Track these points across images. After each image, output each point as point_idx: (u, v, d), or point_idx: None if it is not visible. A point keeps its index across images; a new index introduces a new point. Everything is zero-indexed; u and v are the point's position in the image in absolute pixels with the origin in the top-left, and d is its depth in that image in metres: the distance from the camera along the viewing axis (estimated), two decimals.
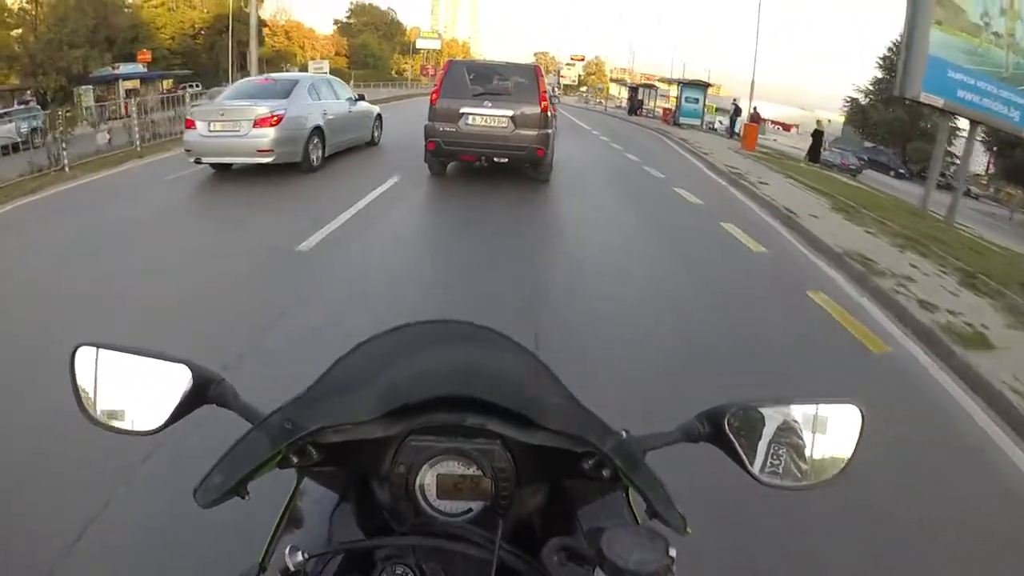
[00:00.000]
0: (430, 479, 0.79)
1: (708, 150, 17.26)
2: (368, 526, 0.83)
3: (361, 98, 12.13)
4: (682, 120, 30.11)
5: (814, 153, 23.02)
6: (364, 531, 0.83)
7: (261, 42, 33.60)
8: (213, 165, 9.51)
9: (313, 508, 0.90)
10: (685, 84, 32.73)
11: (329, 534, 0.82)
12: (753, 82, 27.54)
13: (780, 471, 0.79)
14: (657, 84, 44.34)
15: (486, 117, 9.21)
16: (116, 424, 0.82)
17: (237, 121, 8.95)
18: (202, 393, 0.82)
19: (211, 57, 46.78)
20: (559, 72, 74.95)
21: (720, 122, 34.28)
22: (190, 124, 9.19)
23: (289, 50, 55.88)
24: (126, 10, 43.34)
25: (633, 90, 42.93)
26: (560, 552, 0.68)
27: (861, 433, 0.81)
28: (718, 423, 0.80)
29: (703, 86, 32.62)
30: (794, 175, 14.07)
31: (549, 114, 9.48)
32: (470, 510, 0.80)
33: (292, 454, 0.78)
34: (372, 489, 0.85)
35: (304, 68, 39.72)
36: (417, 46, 67.89)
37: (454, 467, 0.79)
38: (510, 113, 9.16)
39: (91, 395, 0.83)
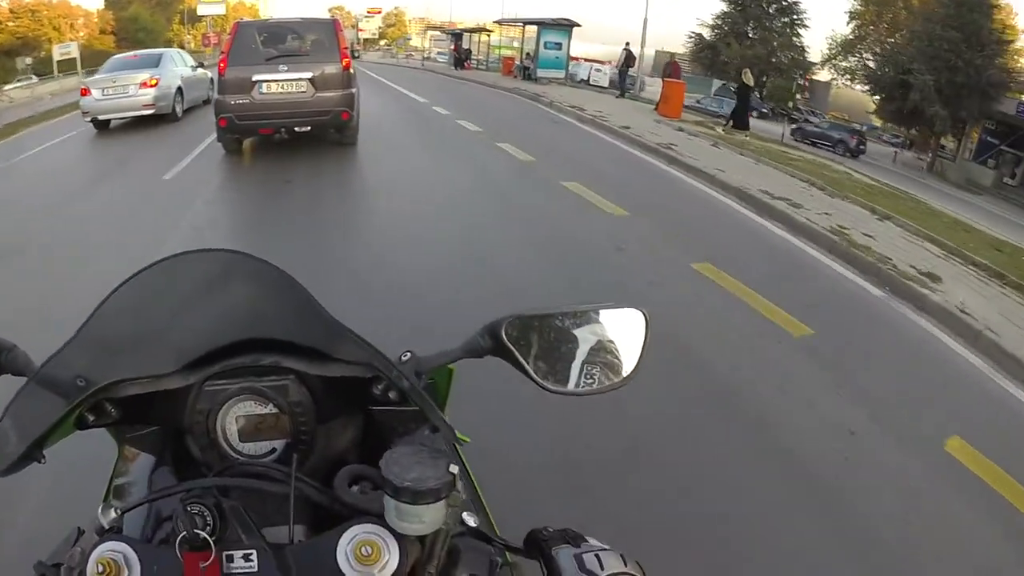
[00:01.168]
0: (231, 422, 0.79)
1: (620, 121, 13.58)
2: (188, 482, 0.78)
3: (201, 65, 15.66)
4: (540, 72, 24.18)
5: (741, 117, 16.22)
6: None
7: None
8: (96, 124, 12.74)
9: (138, 474, 0.89)
10: (544, 25, 25.20)
11: (148, 495, 0.78)
12: (646, 19, 22.86)
13: (567, 377, 0.82)
14: (488, 28, 36.89)
15: (282, 83, 8.62)
16: None
17: (125, 86, 12.37)
18: None
19: None
20: (356, 25, 71.34)
21: (597, 70, 29.14)
22: (85, 92, 12.53)
23: (38, 34, 47.41)
24: None
25: (457, 37, 36.28)
26: (353, 480, 0.71)
27: (646, 337, 0.84)
28: (498, 335, 0.81)
29: (567, 27, 25.30)
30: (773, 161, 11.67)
31: (352, 71, 9.06)
32: (274, 450, 0.80)
33: (87, 412, 0.77)
34: (187, 445, 0.84)
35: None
36: (198, 12, 60.77)
37: (251, 407, 0.79)
38: (309, 75, 8.65)
39: None
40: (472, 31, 37.21)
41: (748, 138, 15.02)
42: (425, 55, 47.30)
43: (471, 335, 0.84)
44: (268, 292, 0.80)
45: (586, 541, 0.72)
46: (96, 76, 13.39)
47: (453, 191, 8.04)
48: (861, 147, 24.64)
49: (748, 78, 16.37)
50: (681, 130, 14.02)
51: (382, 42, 78.15)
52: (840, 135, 25.51)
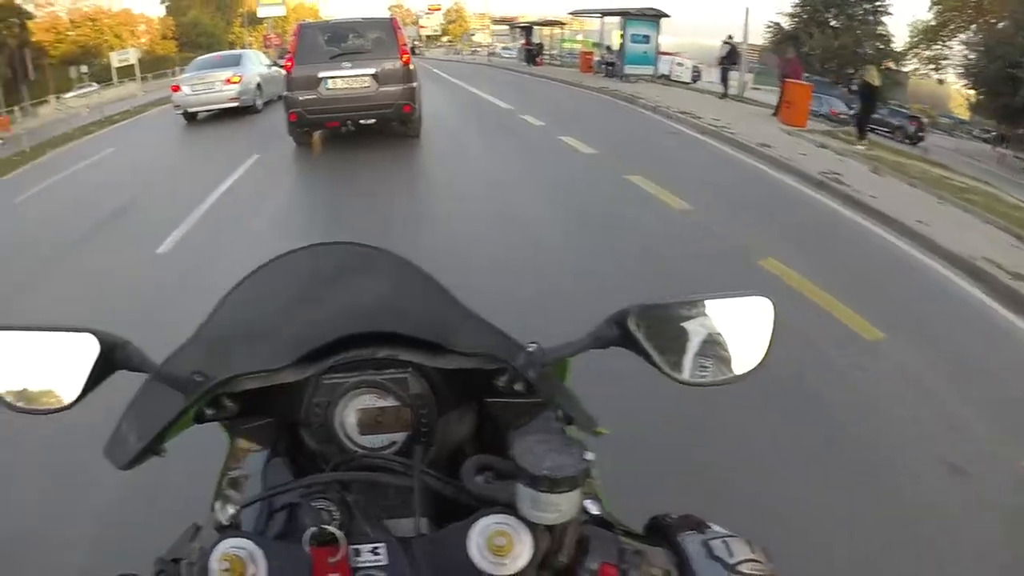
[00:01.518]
0: (350, 416, 0.78)
1: (748, 134, 11.06)
2: (301, 475, 0.77)
3: (275, 64, 16.95)
4: (627, 69, 21.16)
5: (863, 123, 13.15)
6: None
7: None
8: (186, 115, 14.88)
9: (251, 467, 0.87)
10: (630, 16, 21.71)
11: (263, 489, 0.78)
12: (747, 9, 18.55)
13: (695, 367, 0.79)
14: (560, 20, 33.69)
15: (346, 79, 9.15)
16: (26, 405, 0.79)
17: (211, 82, 14.42)
18: (111, 359, 0.78)
19: None
20: (417, 22, 69.30)
21: (679, 64, 25.32)
22: (176, 88, 14.91)
23: (99, 42, 46.81)
24: None
25: (527, 31, 33.27)
26: (480, 470, 0.69)
27: (774, 325, 0.81)
28: (625, 324, 0.78)
29: (654, 18, 21.69)
30: None
31: (412, 67, 9.52)
32: (394, 443, 0.79)
33: (207, 407, 0.78)
34: (302, 438, 0.85)
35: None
36: (259, 15, 61.13)
37: (371, 400, 0.78)
38: (371, 71, 9.15)
39: None
40: (542, 24, 34.01)
41: (868, 148, 12.08)
42: (490, 50, 44.38)
43: (597, 325, 0.80)
44: (385, 284, 0.83)
45: (710, 528, 0.70)
46: (184, 75, 15.61)
47: (605, 281, 5.00)
48: (920, 134, 21.64)
49: (874, 77, 12.84)
50: (824, 146, 11.16)
51: (444, 38, 77.54)
52: (899, 121, 22.41)
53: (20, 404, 0.78)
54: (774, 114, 14.38)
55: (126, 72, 34.58)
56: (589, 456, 0.62)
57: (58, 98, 31.61)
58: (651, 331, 0.77)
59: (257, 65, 15.92)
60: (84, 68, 34.50)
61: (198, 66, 15.39)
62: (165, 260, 6.18)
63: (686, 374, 0.78)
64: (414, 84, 9.46)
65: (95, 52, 46.27)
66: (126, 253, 6.58)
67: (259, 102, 15.15)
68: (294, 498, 0.70)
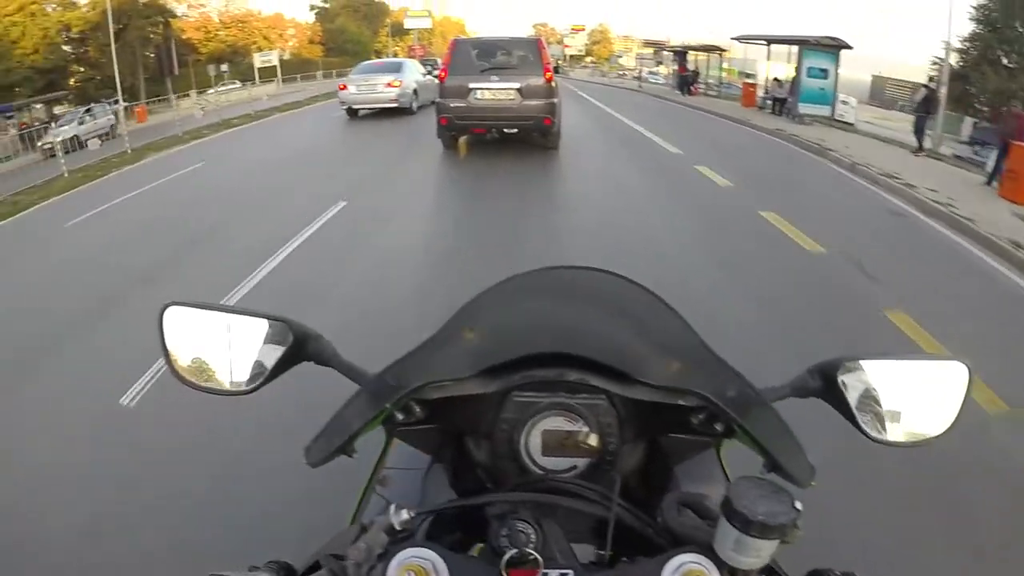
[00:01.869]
0: (535, 435, 0.79)
1: (982, 218, 7.85)
2: (462, 486, 0.82)
3: (429, 73, 19.08)
4: (803, 108, 17.10)
5: None
6: (457, 491, 0.83)
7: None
8: (350, 111, 16.76)
9: (400, 469, 0.92)
10: (807, 45, 17.59)
11: (422, 494, 0.82)
12: (948, 46, 15.90)
13: (889, 427, 0.79)
14: (722, 47, 28.39)
15: (494, 91, 9.82)
16: (208, 384, 0.82)
17: (374, 84, 16.16)
18: (300, 350, 0.82)
19: (101, 65, 34.41)
20: (562, 41, 68.02)
21: (843, 103, 17.70)
22: (343, 87, 16.62)
23: (247, 43, 47.65)
24: None
25: (681, 56, 28.70)
26: (679, 507, 0.68)
27: (968, 390, 0.80)
28: (831, 377, 0.79)
29: (834, 49, 17.51)
30: None
31: (554, 84, 10.05)
32: (574, 467, 0.79)
33: (397, 411, 0.80)
34: (468, 449, 0.86)
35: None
36: (406, 26, 61.63)
37: (559, 423, 0.78)
38: (517, 85, 9.77)
39: (182, 355, 0.82)
40: (699, 49, 29.16)
41: None
42: (636, 74, 41.01)
43: (799, 374, 0.82)
44: (593, 308, 0.83)
45: None
46: (351, 75, 17.44)
47: None
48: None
49: None
50: None
51: (587, 59, 75.91)
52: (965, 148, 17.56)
53: (200, 382, 0.82)
54: (988, 182, 10.45)
55: (270, 73, 35.09)
56: (799, 506, 0.60)
57: (200, 93, 31.60)
58: (853, 387, 0.78)
59: (415, 73, 17.73)
60: (224, 67, 34.89)
61: (363, 70, 17.46)
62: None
63: (882, 432, 0.78)
64: (555, 100, 10.07)
65: (244, 52, 47.64)
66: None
67: (414, 105, 16.65)
68: (486, 511, 0.69)
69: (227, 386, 0.80)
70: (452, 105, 9.89)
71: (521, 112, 9.76)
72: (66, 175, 12.72)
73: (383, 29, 66.96)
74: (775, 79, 19.86)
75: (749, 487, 0.60)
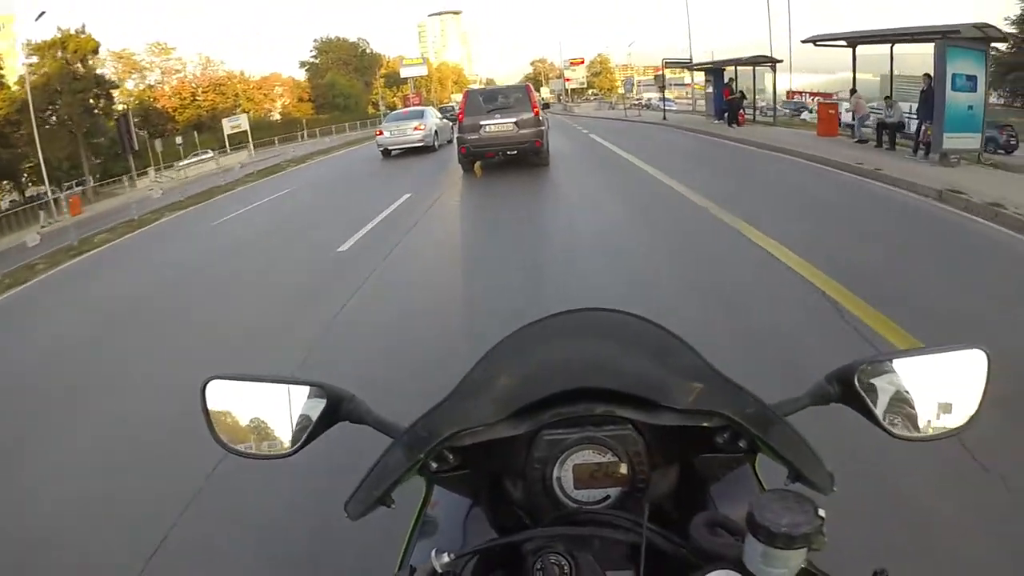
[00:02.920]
0: (566, 471, 0.79)
1: None
2: (503, 526, 0.82)
3: (445, 116, 23.69)
4: (948, 139, 10.27)
5: None
6: (499, 531, 0.82)
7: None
8: (385, 152, 19.94)
9: (441, 514, 0.92)
10: (949, 38, 10.30)
11: (464, 536, 0.82)
12: None
13: (912, 423, 0.78)
14: (771, 57, 21.26)
15: (498, 125, 12.80)
16: (251, 450, 0.85)
17: (404, 129, 19.68)
18: (335, 412, 0.86)
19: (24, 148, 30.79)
20: (563, 75, 66.28)
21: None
22: (379, 133, 20.40)
23: (228, 108, 44.42)
24: None
25: (718, 75, 22.87)
26: (708, 526, 0.69)
27: (988, 378, 0.79)
28: (848, 381, 0.79)
29: (982, 42, 10.63)
30: None
31: (540, 117, 13.17)
32: (607, 497, 0.80)
33: (431, 460, 0.81)
34: (505, 489, 0.86)
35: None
36: (402, 75, 61.53)
37: (589, 456, 0.79)
38: (514, 119, 12.79)
39: (223, 424, 0.86)
40: (745, 63, 21.37)
41: None
42: (645, 104, 36.58)
43: (816, 383, 0.83)
44: (610, 344, 0.83)
45: None
46: (384, 124, 21.33)
47: None
48: (1012, 142, 16.39)
49: None
50: None
51: (589, 91, 75.41)
52: (990, 132, 14.47)
53: (246, 449, 0.85)
54: None
55: (244, 137, 32.63)
56: (822, 514, 0.61)
57: (158, 170, 28.04)
58: (872, 388, 0.78)
59: (434, 118, 21.32)
60: (179, 140, 31.18)
61: (394, 118, 21.50)
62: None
63: (907, 430, 0.78)
64: (543, 128, 13.15)
65: (225, 115, 44.63)
66: None
67: (436, 144, 19.94)
68: (507, 548, 0.71)
69: (268, 451, 0.84)
70: (469, 138, 12.84)
71: (518, 139, 12.72)
72: None
73: (379, 80, 66.19)
74: (886, 97, 13.21)
75: (771, 500, 0.61)
